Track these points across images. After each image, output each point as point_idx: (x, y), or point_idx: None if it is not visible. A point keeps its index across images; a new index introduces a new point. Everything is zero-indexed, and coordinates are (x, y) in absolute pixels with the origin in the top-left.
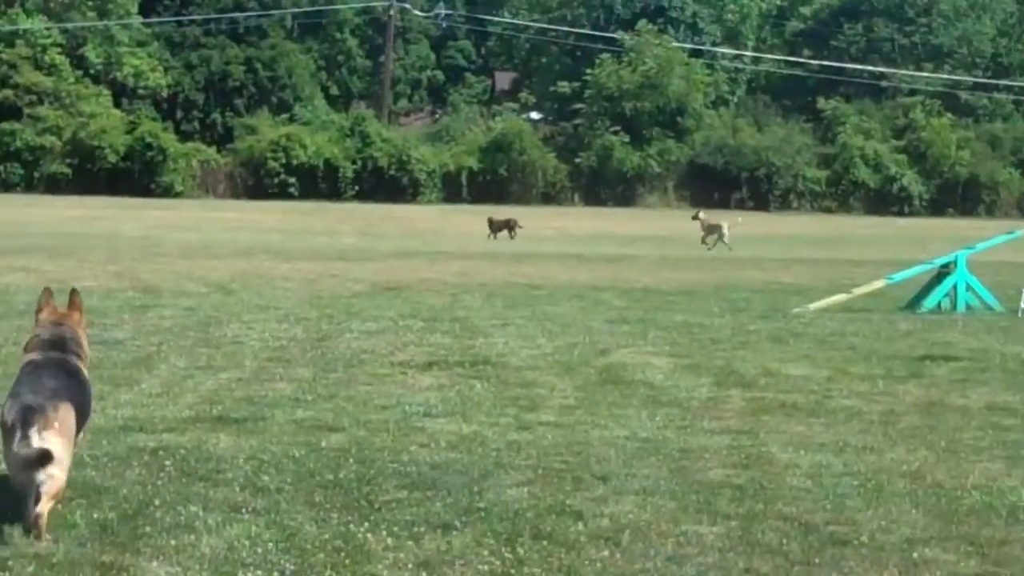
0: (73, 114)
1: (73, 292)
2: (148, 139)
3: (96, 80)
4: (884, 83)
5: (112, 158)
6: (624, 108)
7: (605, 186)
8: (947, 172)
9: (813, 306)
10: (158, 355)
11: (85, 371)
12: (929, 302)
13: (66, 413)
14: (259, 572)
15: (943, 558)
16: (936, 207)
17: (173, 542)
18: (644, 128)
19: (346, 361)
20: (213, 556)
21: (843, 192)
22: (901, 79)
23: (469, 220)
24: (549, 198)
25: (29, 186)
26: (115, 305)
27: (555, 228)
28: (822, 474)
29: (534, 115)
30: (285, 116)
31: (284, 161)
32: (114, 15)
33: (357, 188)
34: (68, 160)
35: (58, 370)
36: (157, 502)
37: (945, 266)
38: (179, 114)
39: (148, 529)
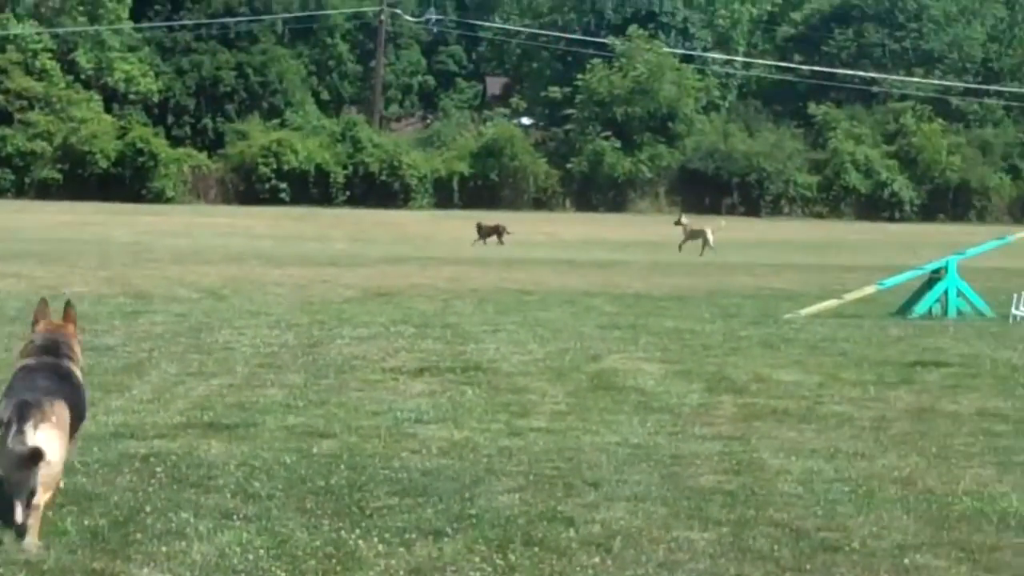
0: (64, 119)
1: (68, 304)
2: (139, 144)
3: (87, 85)
4: (875, 88)
5: (103, 163)
6: (615, 113)
7: (596, 191)
8: (938, 177)
9: (804, 312)
10: (149, 361)
11: (78, 374)
12: (920, 308)
13: (61, 409)
14: None
15: (934, 564)
16: (927, 212)
17: (164, 549)
18: (635, 133)
19: (337, 367)
20: (204, 563)
21: (834, 197)
22: (892, 84)
23: (460, 226)
24: (540, 203)
25: (20, 192)
26: (106, 311)
27: (546, 233)
28: (813, 480)
29: (525, 120)
30: (276, 121)
31: (275, 166)
32: (105, 20)
33: (348, 193)
34: (59, 165)
35: (51, 373)
36: (148, 509)
37: (936, 272)
38: (170, 119)
39: (139, 536)
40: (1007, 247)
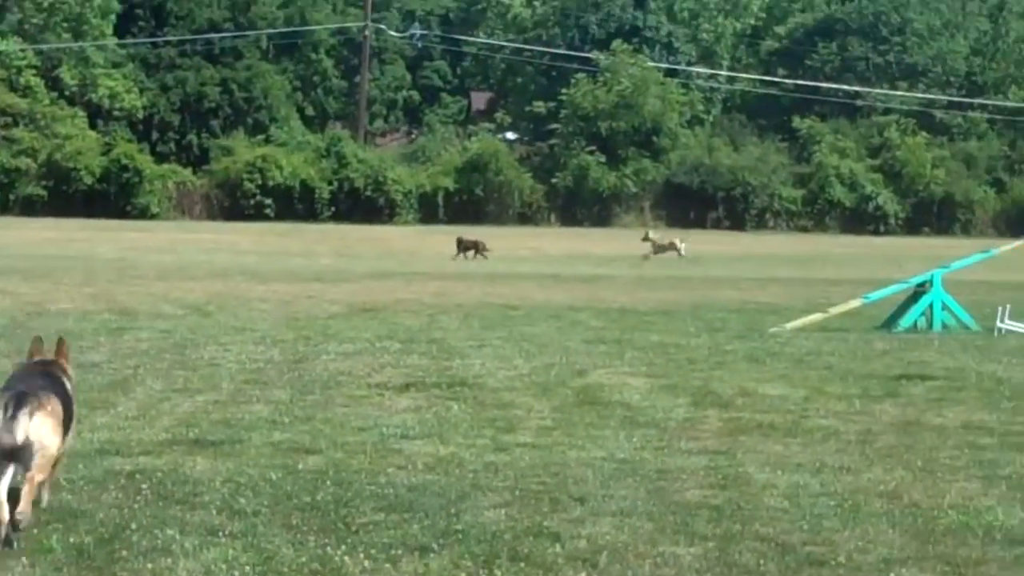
0: (48, 136)
1: (60, 340)
2: (124, 161)
3: (71, 102)
4: (859, 102)
5: (88, 180)
6: (600, 128)
7: (581, 206)
8: (922, 191)
9: (790, 326)
10: (134, 378)
11: (69, 388)
12: (905, 321)
13: (56, 403)
14: None
15: None
16: (911, 226)
17: (150, 566)
18: (620, 148)
19: (323, 383)
20: None
21: (819, 211)
22: (876, 98)
23: (445, 241)
24: (525, 218)
25: (4, 208)
26: (91, 327)
27: (531, 248)
28: (799, 494)
29: (510, 135)
30: (261, 137)
31: (260, 182)
32: (89, 37)
33: (333, 209)
34: (43, 182)
35: (44, 375)
36: (134, 526)
37: (921, 285)
38: (155, 135)
39: (125, 553)
40: (992, 260)
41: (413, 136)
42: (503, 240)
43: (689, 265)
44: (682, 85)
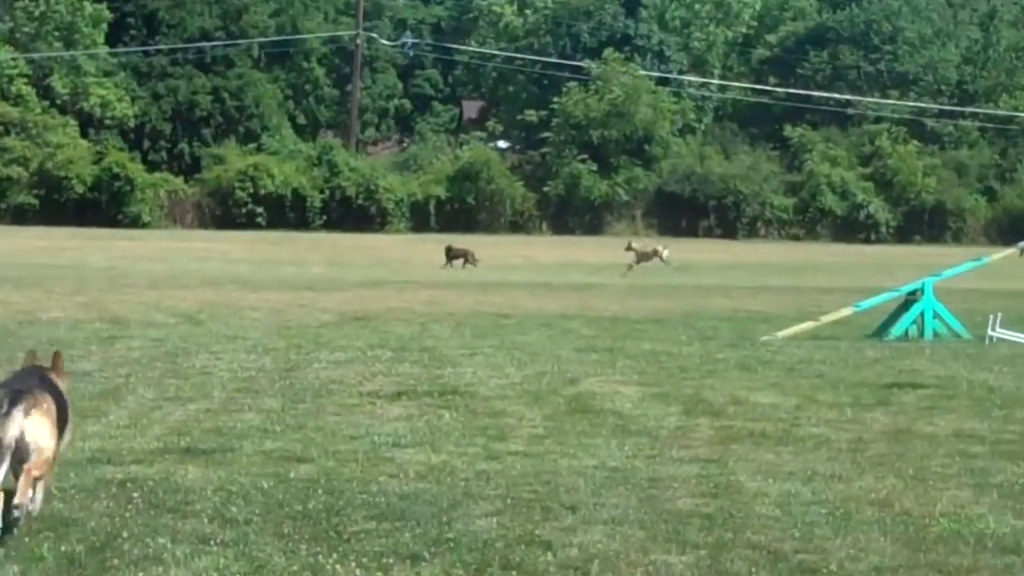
0: (40, 144)
1: (56, 354)
2: (115, 169)
3: (63, 110)
4: (850, 110)
5: (79, 188)
6: (591, 136)
7: (573, 214)
8: (914, 199)
9: (781, 334)
10: (126, 386)
11: (62, 389)
12: (896, 329)
13: (51, 403)
14: None
15: None
16: (903, 234)
17: (141, 574)
18: (611, 156)
19: (315, 391)
20: None
21: (810, 219)
22: (867, 106)
23: (437, 249)
24: (517, 227)
25: None
26: (82, 336)
27: (523, 257)
28: (791, 502)
29: (502, 144)
30: (252, 146)
31: (252, 191)
32: (80, 45)
33: (325, 217)
34: (35, 191)
35: (39, 377)
36: (125, 534)
37: (912, 293)
38: (146, 144)
39: (116, 562)
40: (983, 268)
41: (405, 145)
42: (495, 248)
43: (680, 274)
44: (674, 94)
